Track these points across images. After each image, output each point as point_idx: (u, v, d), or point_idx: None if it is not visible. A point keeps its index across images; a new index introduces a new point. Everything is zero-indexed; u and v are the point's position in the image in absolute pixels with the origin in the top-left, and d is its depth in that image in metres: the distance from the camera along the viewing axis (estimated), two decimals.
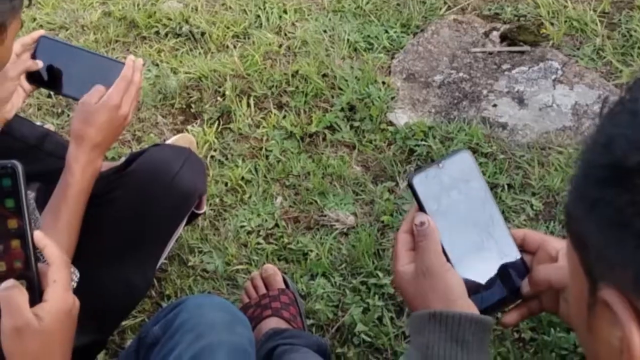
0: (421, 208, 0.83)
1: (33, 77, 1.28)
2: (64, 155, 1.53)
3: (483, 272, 0.84)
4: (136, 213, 1.26)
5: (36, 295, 0.80)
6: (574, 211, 0.51)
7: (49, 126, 1.80)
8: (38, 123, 1.75)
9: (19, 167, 0.79)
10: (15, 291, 0.79)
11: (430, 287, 0.79)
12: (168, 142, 1.72)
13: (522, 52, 2.03)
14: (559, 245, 0.82)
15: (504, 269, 0.84)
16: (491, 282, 0.84)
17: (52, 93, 1.98)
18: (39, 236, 0.83)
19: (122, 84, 1.21)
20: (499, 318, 0.89)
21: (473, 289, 0.81)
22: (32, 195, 1.07)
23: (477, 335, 0.76)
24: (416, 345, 0.78)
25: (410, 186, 0.83)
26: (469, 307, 0.78)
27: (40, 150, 1.51)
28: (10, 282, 0.79)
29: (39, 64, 1.27)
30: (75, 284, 1.09)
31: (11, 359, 0.78)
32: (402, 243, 0.84)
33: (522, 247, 0.86)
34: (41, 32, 1.30)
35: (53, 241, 0.85)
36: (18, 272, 0.81)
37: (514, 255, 0.85)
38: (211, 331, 1.03)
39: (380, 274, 1.52)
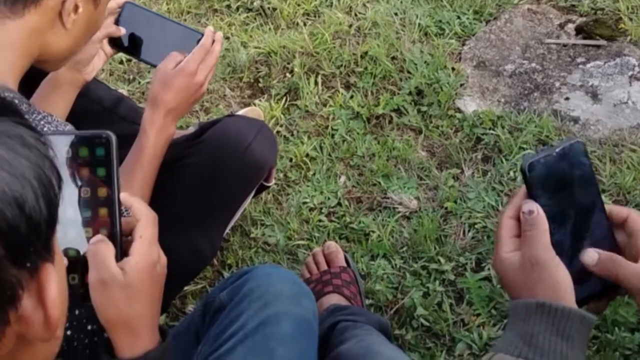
0: (530, 194, 0.82)
1: (114, 42, 1.30)
2: (137, 120, 1.55)
3: (581, 264, 0.83)
4: (208, 181, 1.27)
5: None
6: None
7: (122, 91, 1.83)
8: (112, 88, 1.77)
9: (113, 138, 0.80)
10: (102, 245, 0.80)
11: (538, 280, 0.78)
12: (238, 114, 1.73)
13: (598, 47, 1.98)
14: None
15: None
16: (587, 274, 0.83)
17: (125, 59, 2.02)
18: (125, 196, 0.84)
19: (200, 52, 1.22)
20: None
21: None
22: None
23: (581, 333, 0.76)
24: (518, 331, 0.78)
25: (522, 171, 0.82)
26: (574, 305, 0.78)
27: (114, 113, 1.54)
28: (98, 236, 0.81)
29: (122, 31, 1.29)
30: None
31: (99, 311, 0.80)
32: (507, 228, 0.83)
33: (621, 226, 0.84)
34: None
35: (138, 199, 0.87)
36: None
37: (610, 248, 0.84)
38: (278, 301, 1.03)
39: (442, 260, 1.51)
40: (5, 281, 0.47)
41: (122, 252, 0.82)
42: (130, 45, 1.32)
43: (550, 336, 0.76)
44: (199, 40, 1.24)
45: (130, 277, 0.81)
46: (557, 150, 0.82)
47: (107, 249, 0.81)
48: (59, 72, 1.25)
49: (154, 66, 1.26)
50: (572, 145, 0.83)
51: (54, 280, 0.53)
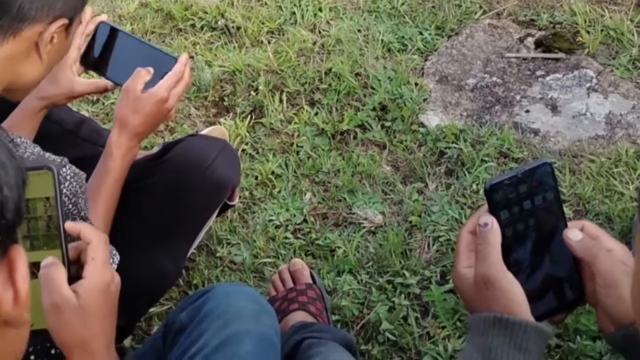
0: (492, 214, 0.84)
1: (85, 61, 1.30)
2: (99, 142, 1.56)
3: (539, 282, 0.85)
4: (170, 200, 1.28)
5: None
6: None
7: (85, 113, 1.82)
8: (74, 109, 1.77)
9: (54, 170, 0.84)
10: (53, 269, 0.81)
11: (492, 298, 0.80)
12: (201, 133, 1.74)
13: (557, 60, 2.02)
14: (610, 245, 0.82)
15: (558, 281, 0.86)
16: (544, 292, 0.85)
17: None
18: (69, 225, 0.85)
19: (172, 79, 1.22)
20: None
21: (527, 297, 0.82)
22: (83, 176, 1.09)
23: (538, 345, 0.78)
24: (477, 346, 0.79)
25: (486, 192, 0.83)
26: (530, 318, 0.79)
27: (76, 135, 1.53)
28: (50, 259, 0.82)
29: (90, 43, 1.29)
30: (115, 267, 1.11)
31: (54, 334, 0.81)
32: (465, 243, 0.84)
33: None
34: (103, 17, 1.32)
35: (85, 224, 0.87)
36: None
37: (569, 267, 0.86)
38: (238, 320, 1.03)
39: (407, 274, 1.53)
40: None
41: (70, 276, 0.84)
42: (101, 65, 1.31)
43: (508, 349, 0.77)
44: (171, 64, 1.23)
45: (84, 300, 0.81)
46: (522, 171, 0.83)
47: (59, 272, 0.81)
48: (33, 101, 1.25)
49: (120, 85, 1.26)
50: (539, 167, 0.84)
51: (23, 259, 0.56)
